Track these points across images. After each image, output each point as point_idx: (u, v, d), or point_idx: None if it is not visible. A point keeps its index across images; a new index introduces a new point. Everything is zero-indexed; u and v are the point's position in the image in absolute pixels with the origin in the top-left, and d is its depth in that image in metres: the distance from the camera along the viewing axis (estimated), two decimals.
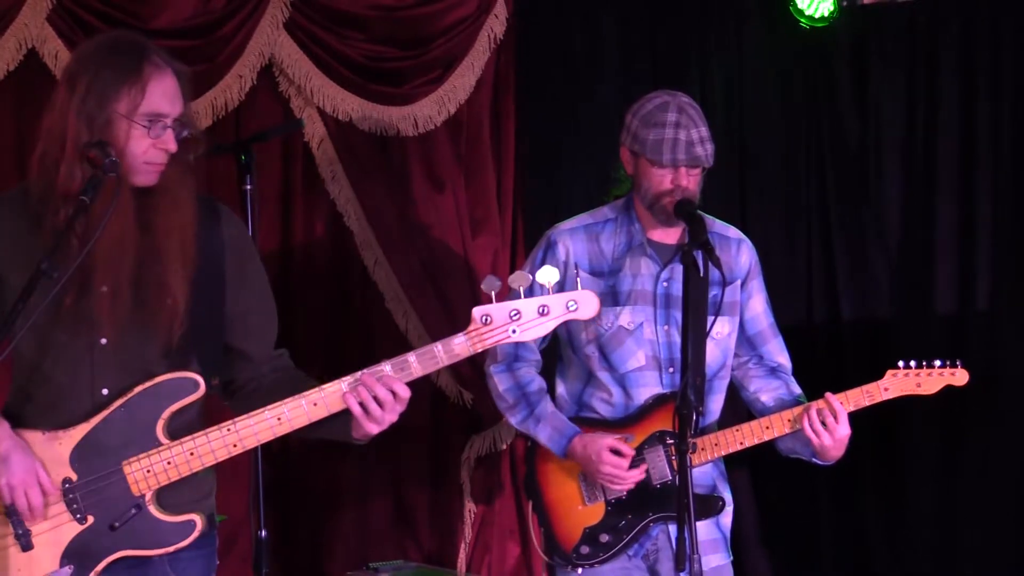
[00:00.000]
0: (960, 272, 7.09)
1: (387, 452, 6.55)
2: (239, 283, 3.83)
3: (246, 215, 5.29)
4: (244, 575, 5.99)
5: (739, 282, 4.82)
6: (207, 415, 3.82)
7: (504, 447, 6.72)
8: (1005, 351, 6.99)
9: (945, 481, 7.11)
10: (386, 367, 3.66)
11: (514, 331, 3.64)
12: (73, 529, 3.63)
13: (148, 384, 3.66)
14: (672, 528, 4.63)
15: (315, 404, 3.67)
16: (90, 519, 3.63)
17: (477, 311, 3.64)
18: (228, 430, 3.65)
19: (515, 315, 3.63)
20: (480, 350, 3.67)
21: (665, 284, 4.71)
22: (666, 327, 4.70)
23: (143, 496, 3.63)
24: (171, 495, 3.68)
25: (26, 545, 3.62)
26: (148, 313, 3.64)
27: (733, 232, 4.88)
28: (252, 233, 5.21)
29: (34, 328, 3.52)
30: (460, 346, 3.66)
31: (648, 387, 4.71)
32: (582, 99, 6.99)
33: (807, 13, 6.98)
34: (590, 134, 6.85)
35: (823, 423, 4.57)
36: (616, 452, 4.62)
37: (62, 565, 3.62)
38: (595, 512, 4.73)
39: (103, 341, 3.66)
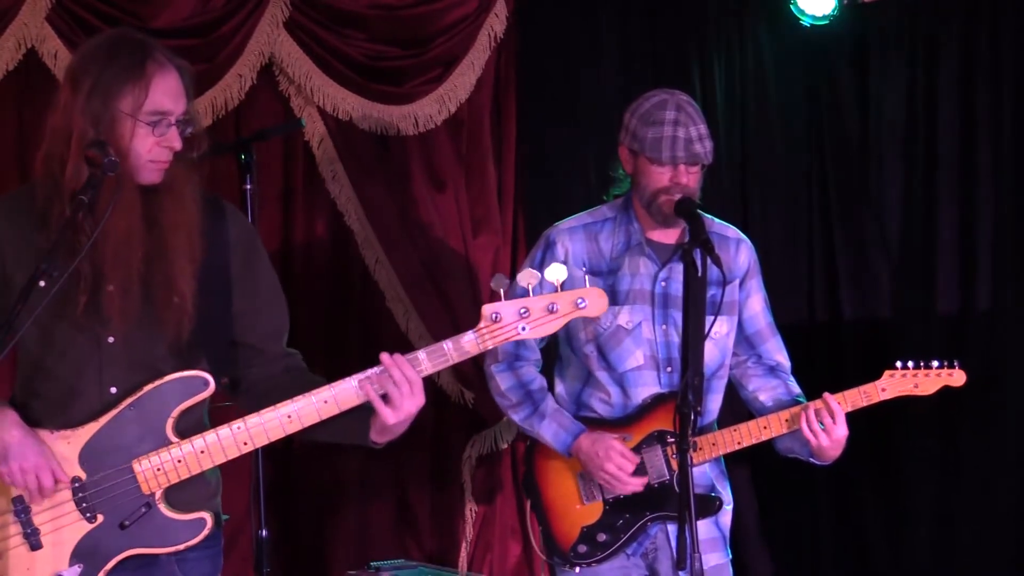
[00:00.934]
0: (961, 271, 7.10)
1: (388, 452, 6.44)
2: (247, 280, 3.85)
3: (247, 214, 5.30)
4: (245, 574, 6.01)
5: (738, 281, 4.84)
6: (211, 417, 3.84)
7: (505, 446, 6.74)
8: (1005, 351, 7.01)
9: (944, 480, 7.14)
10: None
11: (524, 328, 3.67)
12: (82, 528, 3.64)
13: (158, 383, 3.67)
14: (670, 527, 4.67)
15: (326, 401, 3.69)
16: (100, 518, 3.65)
17: (487, 308, 3.67)
18: (239, 428, 3.67)
19: (524, 312, 3.66)
20: (490, 347, 3.70)
21: (663, 284, 4.73)
22: (664, 327, 4.72)
23: (153, 495, 3.64)
24: (179, 494, 3.69)
25: (35, 544, 3.63)
26: (156, 311, 3.65)
27: (732, 232, 4.90)
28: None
29: (40, 326, 3.56)
30: (470, 343, 3.68)
31: (646, 387, 4.73)
32: (582, 98, 7.00)
33: (808, 11, 6.99)
34: (590, 133, 6.86)
35: (821, 423, 4.59)
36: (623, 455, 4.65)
37: (71, 564, 3.62)
38: (593, 511, 4.75)
39: (111, 339, 3.67)
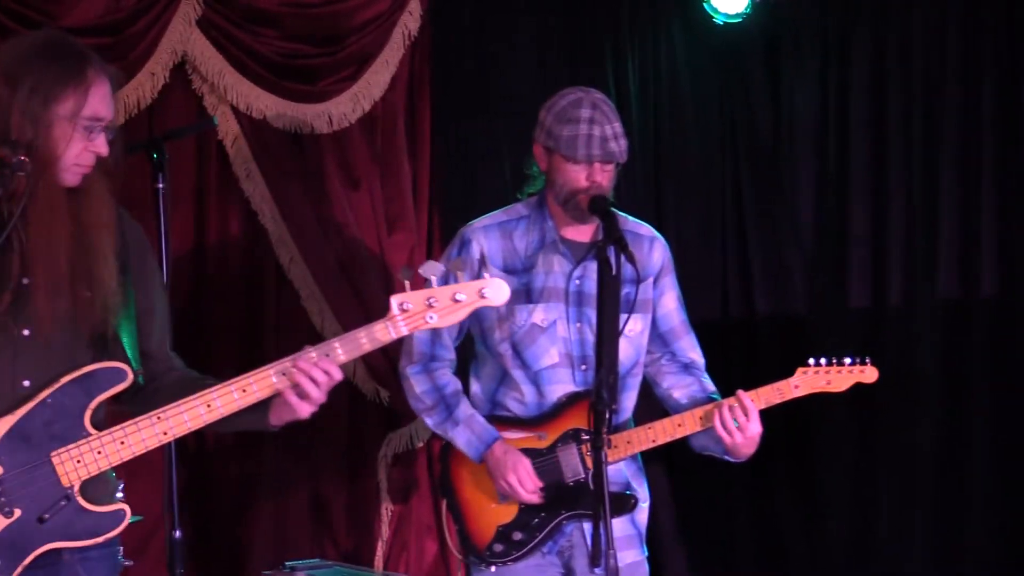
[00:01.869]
0: (873, 268, 7.17)
1: (304, 451, 6.55)
2: (141, 282, 3.88)
3: (159, 214, 5.27)
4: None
5: (651, 279, 4.87)
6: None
7: (420, 445, 6.73)
8: (917, 346, 7.08)
9: (858, 475, 7.21)
10: (312, 353, 3.74)
11: (431, 317, 3.73)
12: None
13: (76, 373, 3.66)
14: (586, 525, 4.68)
15: (244, 391, 3.71)
16: (17, 512, 3.61)
17: (395, 299, 3.73)
18: (158, 418, 3.67)
19: (432, 302, 3.73)
20: (403, 334, 3.74)
21: (578, 282, 4.74)
22: (579, 324, 4.74)
23: (72, 487, 3.63)
24: (91, 490, 3.68)
25: None
26: (80, 307, 3.66)
27: (645, 230, 4.92)
28: (165, 232, 5.23)
29: None
30: (381, 332, 3.73)
31: (561, 384, 4.74)
32: (497, 96, 6.99)
33: (721, 10, 7.04)
34: (505, 131, 6.85)
35: (735, 421, 4.62)
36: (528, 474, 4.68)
37: None
38: (508, 510, 4.75)
39: (25, 333, 3.66)
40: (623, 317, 4.49)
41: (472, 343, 4.96)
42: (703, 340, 5.02)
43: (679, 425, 4.73)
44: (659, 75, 7.31)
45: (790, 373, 4.77)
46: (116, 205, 3.80)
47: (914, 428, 7.11)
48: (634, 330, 4.78)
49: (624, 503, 4.75)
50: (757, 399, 4.67)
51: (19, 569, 3.62)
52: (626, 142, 4.69)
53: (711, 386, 4.89)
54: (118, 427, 3.67)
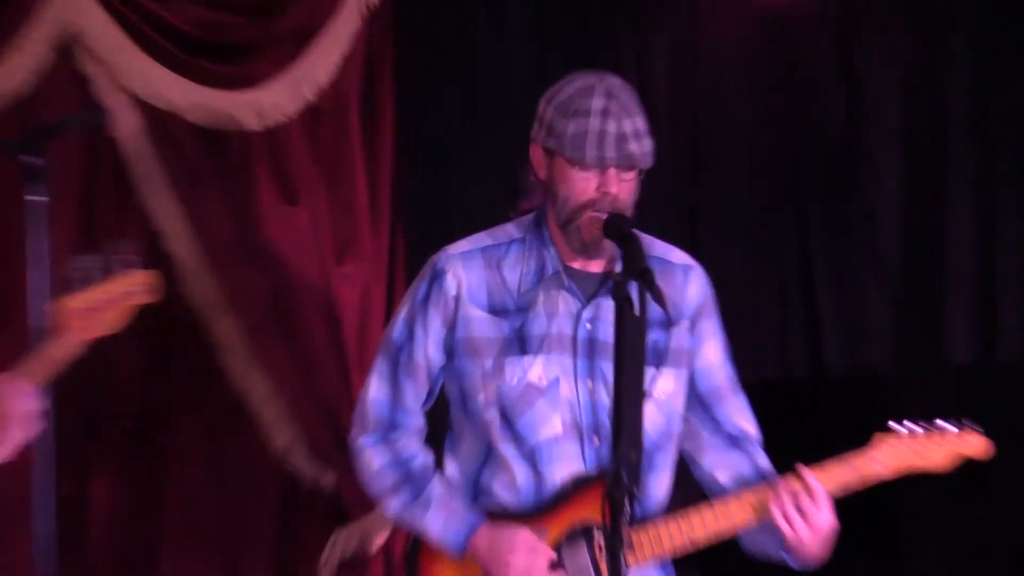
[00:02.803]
0: (979, 310, 7.16)
1: (223, 557, 6.50)
2: None
3: (34, 232, 5.20)
4: None
5: (688, 322, 4.79)
6: None
7: (378, 546, 6.68)
8: None
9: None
10: None
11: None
12: None
13: None
14: None
15: None
16: None
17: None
18: None
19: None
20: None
21: (588, 326, 4.67)
22: (589, 383, 4.66)
23: None
24: None
25: None
26: None
27: (678, 256, 4.86)
28: (39, 260, 5.15)
29: None
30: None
31: (566, 463, 4.65)
32: (483, 83, 7.02)
33: None
34: (492, 128, 6.87)
35: (798, 508, 4.54)
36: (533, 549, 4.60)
37: None
38: None
39: None
40: (649, 372, 4.45)
41: (446, 408, 4.88)
42: (755, 403, 4.94)
43: (725, 516, 4.64)
44: (698, 55, 7.29)
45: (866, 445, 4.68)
46: None
47: None
48: (665, 390, 4.70)
49: None
50: (825, 478, 4.58)
51: None
52: (651, 142, 4.60)
53: (766, 464, 4.82)
54: None
